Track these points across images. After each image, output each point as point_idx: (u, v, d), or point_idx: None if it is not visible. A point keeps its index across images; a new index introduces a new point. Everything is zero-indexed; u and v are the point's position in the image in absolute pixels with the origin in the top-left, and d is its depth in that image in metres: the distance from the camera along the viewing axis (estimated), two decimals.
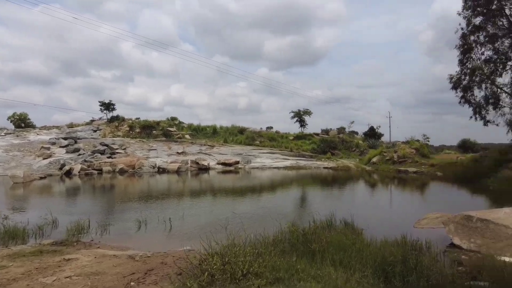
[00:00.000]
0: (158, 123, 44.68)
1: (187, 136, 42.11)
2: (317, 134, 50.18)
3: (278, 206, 12.33)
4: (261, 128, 50.90)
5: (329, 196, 15.75)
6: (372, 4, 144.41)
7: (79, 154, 33.17)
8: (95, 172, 28.14)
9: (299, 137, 47.70)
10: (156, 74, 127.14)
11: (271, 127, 55.14)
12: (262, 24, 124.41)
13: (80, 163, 29.45)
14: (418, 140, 35.13)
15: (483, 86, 20.36)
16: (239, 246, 4.72)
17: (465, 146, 50.01)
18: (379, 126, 55.50)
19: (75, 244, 6.95)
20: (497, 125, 20.51)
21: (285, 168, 32.82)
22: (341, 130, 56.20)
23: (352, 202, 13.50)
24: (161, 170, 29.58)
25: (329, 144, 42.23)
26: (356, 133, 60.13)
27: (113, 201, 14.48)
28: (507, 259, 5.06)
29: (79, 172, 27.31)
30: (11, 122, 49.45)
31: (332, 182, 21.28)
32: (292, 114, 50.18)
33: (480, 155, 22.11)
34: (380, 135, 54.47)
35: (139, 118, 47.47)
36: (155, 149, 36.43)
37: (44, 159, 31.48)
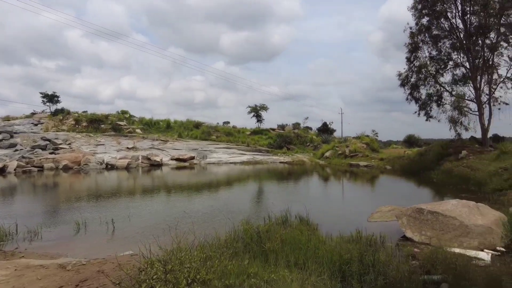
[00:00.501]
0: (106, 116, 42.08)
1: (138, 130, 40.10)
2: (274, 129, 50.58)
3: (234, 203, 11.91)
4: (217, 123, 50.15)
5: (285, 190, 15.66)
6: (324, 3, 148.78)
7: (16, 150, 30.11)
8: (35, 169, 25.70)
9: (256, 132, 47.69)
10: (106, 65, 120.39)
11: (228, 122, 54.65)
12: (218, 17, 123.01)
13: (17, 160, 26.72)
14: (368, 136, 36.77)
15: (428, 84, 21.66)
16: (185, 251, 4.23)
17: (410, 141, 53.70)
18: (332, 122, 57.46)
19: None
20: (438, 121, 21.98)
21: (242, 163, 32.54)
22: (296, 125, 57.28)
23: (307, 197, 13.47)
24: (110, 167, 27.80)
25: (285, 139, 42.69)
26: (310, 128, 61.74)
27: (52, 201, 13.04)
28: (457, 250, 5.14)
29: (15, 169, 24.72)
30: None
31: (287, 177, 21.34)
32: (249, 109, 50.05)
33: (425, 149, 23.47)
34: (333, 130, 56.33)
35: (86, 111, 44.43)
36: (103, 144, 34.22)
37: None
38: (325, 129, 53.93)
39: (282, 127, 53.83)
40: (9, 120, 40.74)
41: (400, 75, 22.56)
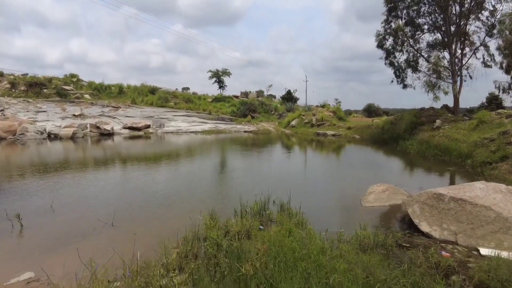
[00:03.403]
0: (50, 80, 37.26)
1: (86, 96, 35.99)
2: (237, 97, 48.30)
3: (194, 182, 10.01)
4: (176, 89, 46.69)
5: (253, 165, 13.93)
6: None
7: None
8: None
9: (218, 99, 45.14)
10: (50, 24, 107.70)
11: (188, 88, 51.35)
12: None
13: None
14: (329, 105, 35.94)
15: (404, 49, 20.50)
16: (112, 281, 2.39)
17: (370, 110, 54.52)
18: (296, 90, 56.19)
19: None
20: (414, 88, 21.15)
21: (203, 132, 30.36)
22: (260, 93, 55.49)
23: (280, 172, 11.84)
24: (53, 136, 24.42)
25: (249, 107, 40.72)
26: (274, 96, 60.30)
27: None
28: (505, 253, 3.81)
29: None
30: None
31: (254, 148, 19.69)
32: (210, 74, 46.92)
33: (395, 118, 22.84)
34: (297, 99, 55.14)
35: (26, 74, 39.00)
36: (45, 111, 30.20)
37: None
38: (289, 98, 52.54)
39: (245, 94, 51.68)
40: None
41: (378, 35, 21.11)
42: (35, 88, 35.20)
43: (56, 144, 21.20)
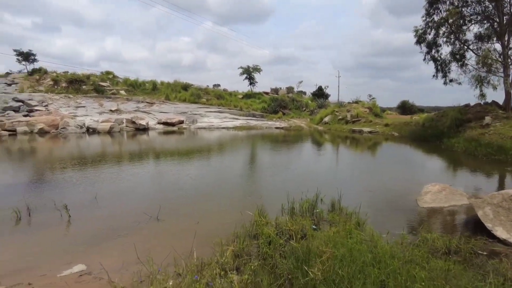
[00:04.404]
0: (88, 77, 38.76)
1: (122, 92, 37.07)
2: (267, 93, 47.97)
3: (231, 179, 9.82)
4: (207, 86, 47.09)
5: (293, 161, 13.50)
6: None
7: None
8: (5, 133, 23.06)
9: (249, 95, 45.05)
10: (87, 24, 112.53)
11: (218, 85, 51.57)
12: None
13: None
14: (364, 101, 34.72)
15: (449, 41, 19.19)
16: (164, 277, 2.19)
17: (405, 107, 52.08)
18: (327, 86, 54.95)
19: None
20: (459, 83, 19.84)
21: (235, 128, 30.33)
22: (290, 89, 54.76)
23: (320, 170, 11.40)
24: (91, 131, 25.32)
25: (280, 103, 40.29)
26: (304, 93, 59.31)
27: (3, 173, 10.75)
28: None
29: None
30: None
31: (287, 144, 19.33)
32: (241, 71, 46.84)
33: (436, 115, 21.58)
34: (328, 95, 53.92)
35: (67, 71, 40.84)
36: (84, 107, 31.38)
37: None
38: (321, 94, 51.46)
39: (275, 91, 51.20)
40: None
41: (416, 30, 19.98)
42: (75, 84, 36.71)
43: (95, 138, 21.92)
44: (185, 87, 40.96)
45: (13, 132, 23.54)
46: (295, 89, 56.31)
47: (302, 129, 29.58)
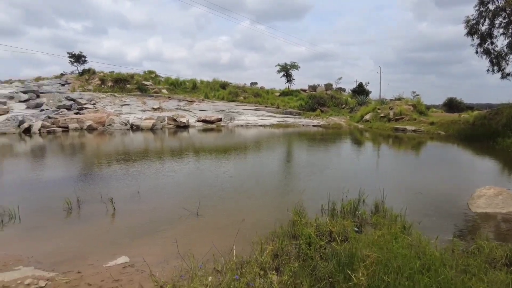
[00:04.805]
0: (132, 76, 40.64)
1: (164, 90, 38.44)
2: (304, 91, 47.35)
3: (269, 177, 9.75)
4: (245, 84, 47.41)
5: (329, 160, 13.21)
6: None
7: (42, 110, 29.37)
8: (59, 129, 24.82)
9: (286, 93, 44.73)
10: (131, 25, 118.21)
11: (256, 83, 51.75)
12: None
13: (43, 120, 25.91)
14: (408, 98, 33.00)
15: (508, 32, 17.57)
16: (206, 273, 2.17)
17: (451, 105, 48.80)
18: (368, 83, 53.07)
19: None
20: None
21: (272, 126, 30.27)
22: (328, 86, 53.57)
23: (360, 170, 10.97)
24: (135, 128, 26.52)
25: (318, 100, 39.57)
26: (344, 90, 57.75)
27: (56, 167, 11.50)
28: None
29: (39, 130, 23.95)
30: None
31: (325, 142, 18.92)
32: (278, 68, 46.60)
33: (489, 112, 20.02)
34: (369, 92, 52.05)
35: (113, 71, 43.18)
36: (128, 105, 32.92)
37: (0, 115, 27.64)
38: (361, 91, 49.78)
39: (313, 88, 50.36)
40: (40, 81, 40.23)
41: (468, 21, 18.59)
42: (120, 83, 38.65)
43: (138, 134, 22.91)
44: (223, 85, 41.62)
45: (65, 129, 25.27)
46: (334, 86, 55.03)
47: (341, 127, 28.84)
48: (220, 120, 30.52)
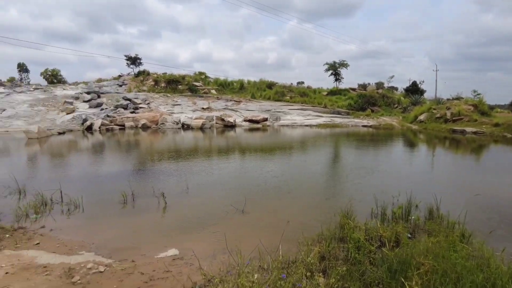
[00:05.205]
0: (183, 77, 42.40)
1: (213, 91, 39.57)
2: (354, 89, 45.86)
3: (316, 178, 9.56)
4: (291, 83, 47.14)
5: (379, 162, 12.51)
6: None
7: (102, 109, 31.82)
8: (117, 127, 26.66)
9: (334, 92, 43.72)
10: (182, 28, 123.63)
11: (302, 82, 51.24)
12: None
13: (102, 118, 28.06)
14: (466, 98, 30.43)
15: None
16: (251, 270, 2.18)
17: None
18: (423, 81, 49.87)
19: (8, 235, 4.69)
20: None
21: (318, 126, 29.75)
22: (379, 85, 51.28)
23: (413, 173, 10.30)
24: (185, 126, 27.65)
25: (368, 99, 38.09)
26: (396, 89, 55.01)
27: (113, 162, 12.34)
28: None
29: (99, 127, 25.93)
30: (43, 78, 49.15)
31: (375, 144, 18.16)
32: (326, 67, 45.60)
33: None
34: (423, 91, 48.94)
35: (165, 73, 45.44)
36: (180, 104, 34.38)
37: (67, 114, 30.39)
38: (415, 90, 46.98)
39: (363, 86, 48.56)
40: (101, 82, 43.62)
41: None
42: (172, 84, 40.44)
43: (188, 133, 23.83)
44: (270, 85, 41.79)
45: (122, 127, 27.07)
46: (386, 85, 52.61)
47: (393, 127, 27.49)
48: (266, 119, 30.68)
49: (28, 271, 3.53)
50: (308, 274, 3.05)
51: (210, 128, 27.51)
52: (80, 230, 5.20)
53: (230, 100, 36.14)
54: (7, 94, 34.01)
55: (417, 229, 4.67)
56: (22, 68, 50.89)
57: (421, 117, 28.17)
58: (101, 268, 3.63)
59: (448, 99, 36.67)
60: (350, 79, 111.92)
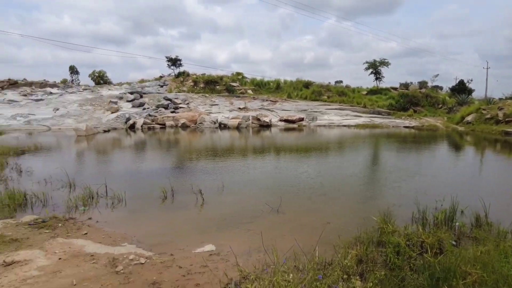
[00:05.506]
0: (221, 78, 43.17)
1: (249, 91, 39.91)
2: (395, 89, 44.04)
3: (354, 180, 9.24)
4: (329, 83, 46.27)
5: (423, 165, 11.69)
6: None
7: (144, 109, 33.27)
8: (158, 126, 27.75)
9: (374, 91, 42.30)
10: (221, 29, 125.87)
11: (341, 81, 50.08)
12: None
13: (144, 117, 29.35)
14: None
15: None
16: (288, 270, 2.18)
17: None
18: (471, 80, 46.55)
19: (60, 224, 5.09)
20: None
21: (357, 126, 28.95)
22: (423, 84, 48.83)
23: (459, 177, 9.69)
24: (222, 126, 28.16)
25: (411, 99, 36.41)
26: (441, 88, 52.08)
27: (154, 159, 12.85)
28: None
29: (141, 126, 27.13)
30: (91, 79, 52.45)
31: (418, 146, 17.33)
32: (366, 65, 44.20)
33: None
34: (471, 90, 45.84)
35: (204, 73, 46.55)
36: (217, 104, 35.06)
37: (112, 113, 32.13)
38: (462, 89, 44.11)
39: (405, 86, 46.48)
40: (143, 82, 45.63)
41: None
42: (210, 85, 41.31)
43: (225, 132, 24.24)
44: (307, 85, 41.32)
45: (162, 126, 28.12)
46: (429, 84, 49.97)
47: (437, 129, 26.09)
48: (302, 119, 30.40)
49: (78, 258, 3.81)
50: (345, 276, 2.99)
51: (246, 127, 27.78)
52: (123, 223, 5.50)
53: (266, 100, 36.23)
54: (60, 95, 36.65)
55: (462, 237, 4.40)
56: (73, 70, 54.45)
57: (469, 118, 26.47)
58: (142, 260, 3.82)
59: (500, 99, 34.12)
60: (391, 78, 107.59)
